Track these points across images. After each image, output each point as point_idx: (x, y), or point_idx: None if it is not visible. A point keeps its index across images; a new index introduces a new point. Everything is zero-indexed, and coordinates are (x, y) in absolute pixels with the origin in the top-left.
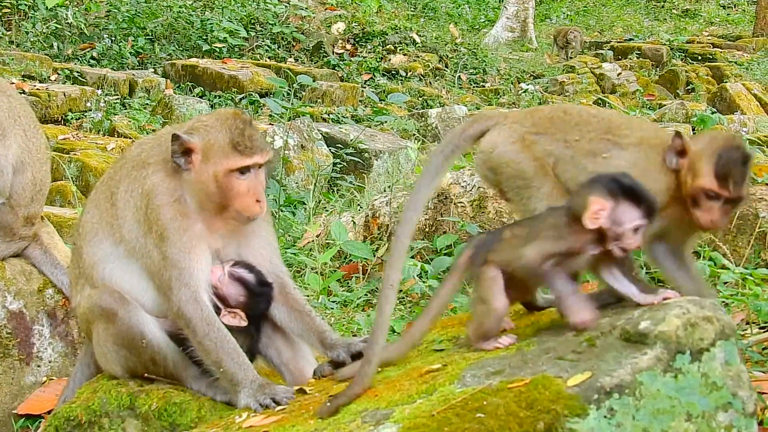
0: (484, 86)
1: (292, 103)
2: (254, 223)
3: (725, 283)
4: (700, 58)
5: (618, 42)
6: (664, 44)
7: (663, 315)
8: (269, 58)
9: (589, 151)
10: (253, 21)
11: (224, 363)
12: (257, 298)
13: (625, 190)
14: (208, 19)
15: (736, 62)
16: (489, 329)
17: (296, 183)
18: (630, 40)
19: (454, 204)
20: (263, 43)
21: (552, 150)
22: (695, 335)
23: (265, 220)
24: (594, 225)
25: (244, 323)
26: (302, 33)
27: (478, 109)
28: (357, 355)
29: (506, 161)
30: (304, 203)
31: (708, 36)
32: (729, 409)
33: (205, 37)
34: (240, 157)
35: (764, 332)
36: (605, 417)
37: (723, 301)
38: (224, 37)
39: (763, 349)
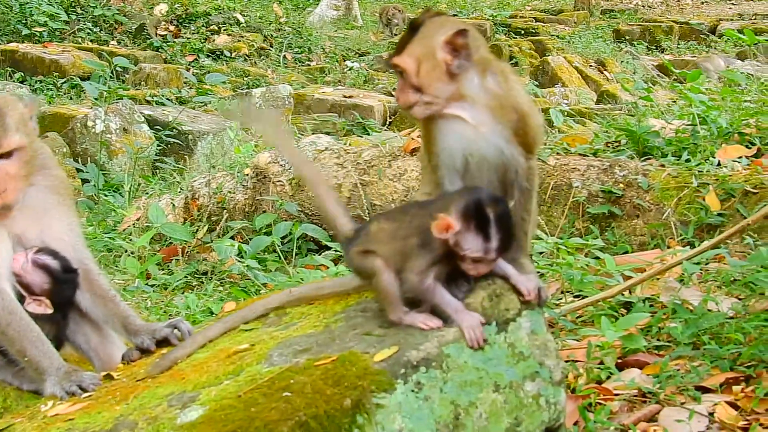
0: (309, 65)
1: (108, 87)
2: (57, 208)
3: (540, 253)
4: (523, 32)
5: None
6: (488, 19)
7: (468, 287)
8: (91, 41)
9: None
10: (73, 4)
11: (29, 352)
12: (62, 285)
13: (479, 219)
14: (27, 3)
15: (558, 36)
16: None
17: (120, 167)
18: (454, 15)
19: (273, 183)
20: (85, 27)
21: None
22: (501, 306)
23: (66, 205)
24: (440, 237)
25: (50, 310)
26: (124, 15)
27: (304, 87)
28: (162, 341)
29: None
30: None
31: (531, 10)
32: (536, 378)
33: (24, 21)
34: None
35: (578, 300)
36: (413, 391)
37: (538, 271)
38: (44, 21)
39: (577, 317)
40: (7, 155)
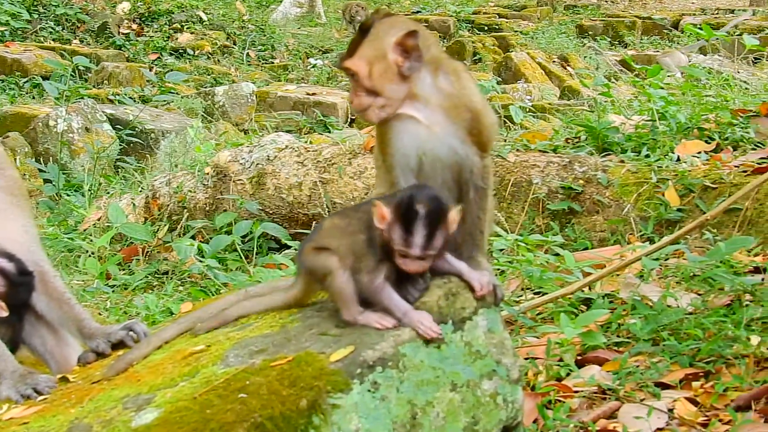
0: (272, 63)
1: (70, 86)
2: (10, 209)
3: (500, 250)
4: (486, 28)
5: (405, 15)
6: (451, 16)
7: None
8: (53, 40)
9: None
10: (35, 3)
11: None
12: (18, 288)
13: (406, 214)
14: None
15: (521, 32)
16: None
17: (81, 166)
18: (418, 12)
19: (234, 182)
20: (47, 26)
21: None
22: (456, 304)
23: (21, 206)
24: (378, 226)
25: (5, 313)
26: (87, 14)
27: (267, 85)
28: (118, 344)
29: None
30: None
31: (494, 6)
32: (494, 377)
33: None
34: None
35: (537, 297)
36: (369, 391)
37: (498, 269)
38: (6, 20)
39: (537, 314)
40: None
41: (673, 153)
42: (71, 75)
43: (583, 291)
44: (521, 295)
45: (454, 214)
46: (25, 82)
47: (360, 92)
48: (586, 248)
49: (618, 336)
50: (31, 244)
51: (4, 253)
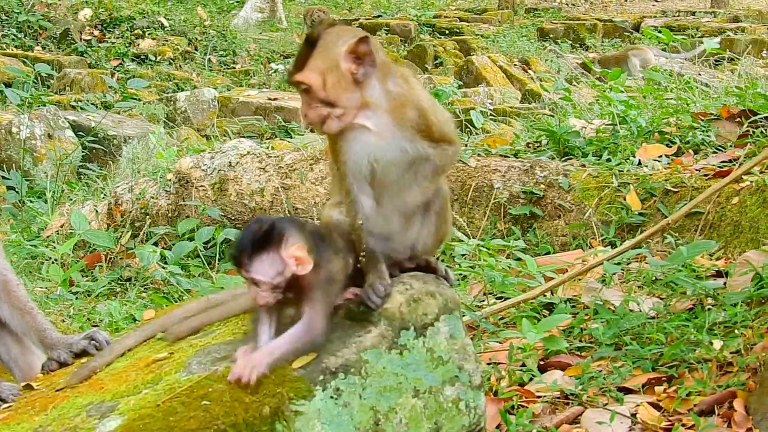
0: (234, 68)
1: (30, 93)
2: None
3: (462, 255)
4: (447, 32)
5: (366, 19)
6: (412, 20)
7: None
8: (16, 47)
9: None
10: None
11: None
12: None
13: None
14: None
15: (482, 35)
16: None
17: (44, 173)
18: (379, 16)
19: (195, 188)
20: (9, 33)
21: None
22: (419, 311)
23: None
24: None
25: None
26: (49, 20)
27: (229, 90)
28: (80, 354)
29: None
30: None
31: (455, 10)
32: (456, 383)
33: None
34: None
35: (499, 302)
36: (332, 397)
37: (460, 274)
38: None
39: (499, 319)
40: None
41: (634, 157)
42: (33, 82)
43: (545, 296)
44: (483, 300)
45: (295, 250)
46: None
47: (314, 104)
48: (548, 253)
49: (580, 341)
50: None
51: None
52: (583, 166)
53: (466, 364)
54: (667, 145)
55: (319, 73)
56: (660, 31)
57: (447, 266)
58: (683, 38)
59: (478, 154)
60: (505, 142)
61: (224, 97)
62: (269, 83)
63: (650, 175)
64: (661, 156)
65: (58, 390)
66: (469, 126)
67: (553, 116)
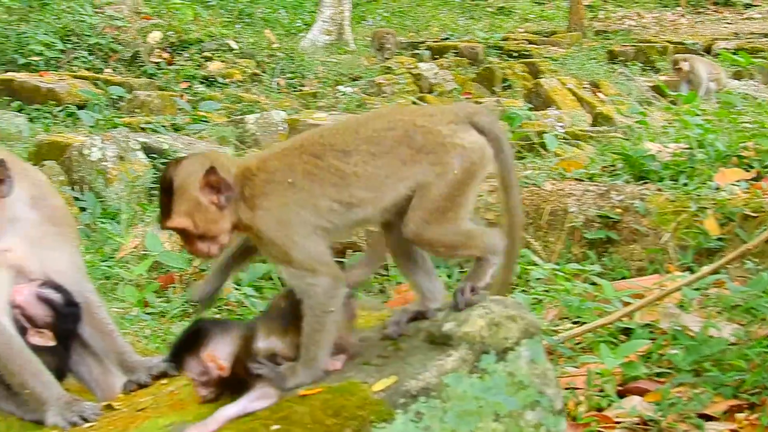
0: (302, 90)
1: (104, 115)
2: (54, 238)
3: (537, 279)
4: (515, 54)
5: (434, 42)
6: (480, 42)
7: (466, 316)
8: (86, 69)
9: None
10: (69, 33)
11: (29, 383)
12: (64, 318)
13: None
14: (24, 33)
15: (551, 58)
16: None
17: (116, 194)
18: (446, 39)
19: None
20: (80, 55)
21: None
22: (499, 335)
23: (65, 235)
24: None
25: (52, 343)
26: (119, 43)
27: (297, 113)
28: (160, 376)
29: None
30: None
31: (523, 33)
32: (537, 408)
33: (21, 51)
34: None
35: (576, 327)
36: (412, 420)
37: (536, 298)
38: (40, 50)
39: (576, 344)
40: None
41: (711, 181)
42: (105, 104)
43: (622, 320)
44: (559, 324)
45: (209, 354)
46: (59, 111)
47: (196, 242)
48: (624, 277)
49: (659, 367)
50: (77, 274)
51: (52, 284)
52: (660, 190)
53: (547, 389)
54: (745, 170)
55: (186, 215)
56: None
57: (522, 290)
58: (761, 61)
59: (553, 178)
60: (579, 165)
61: (293, 119)
62: (337, 106)
63: (729, 199)
64: (739, 180)
65: (139, 410)
66: (540, 149)
67: (627, 140)
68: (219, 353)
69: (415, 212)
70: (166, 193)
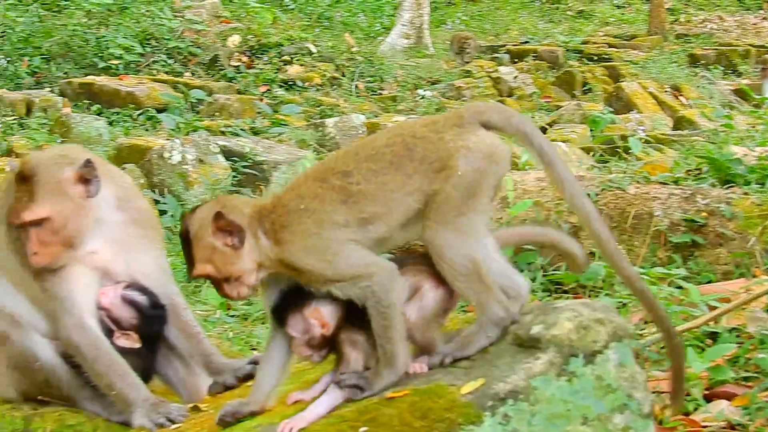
0: (381, 94)
1: (186, 118)
2: (140, 241)
3: (622, 283)
4: (596, 58)
5: (514, 45)
6: (560, 46)
7: (555, 319)
8: (166, 73)
9: None
10: (148, 37)
11: (116, 385)
12: (150, 320)
13: None
14: (104, 37)
15: (631, 61)
16: None
17: (196, 197)
18: (526, 42)
19: None
20: (159, 59)
21: None
22: (588, 338)
23: (150, 237)
24: None
25: (138, 345)
26: (198, 47)
27: (376, 117)
28: (245, 378)
29: None
30: None
31: (603, 36)
32: (625, 411)
33: (100, 55)
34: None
35: None
36: (500, 423)
37: (620, 302)
38: (120, 54)
39: (662, 348)
40: (36, 222)
41: None
42: (184, 107)
43: (708, 325)
44: (644, 329)
45: (313, 314)
46: (139, 114)
47: (222, 285)
48: (710, 281)
49: (746, 371)
50: (162, 276)
51: (138, 286)
52: (746, 194)
53: (635, 392)
54: None
55: (207, 262)
56: None
57: (606, 293)
58: None
59: (637, 181)
60: (664, 169)
61: (372, 123)
62: (416, 109)
63: None
64: None
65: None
66: (621, 152)
67: (712, 143)
68: (324, 311)
69: (428, 217)
70: (185, 243)
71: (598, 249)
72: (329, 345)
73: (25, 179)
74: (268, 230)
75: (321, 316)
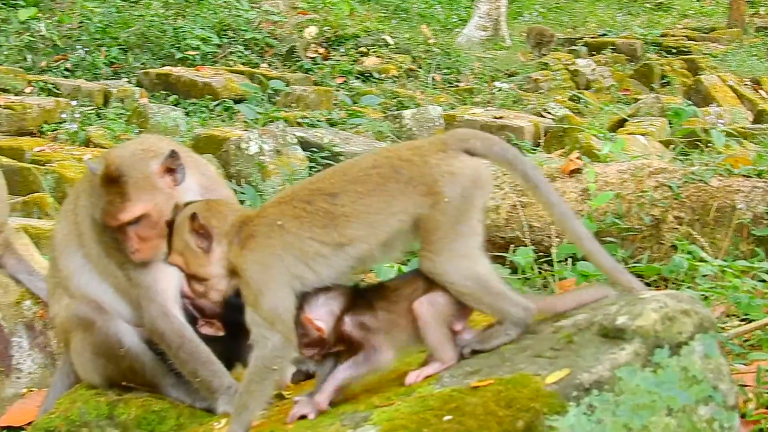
0: (458, 86)
1: (265, 109)
2: None
3: (704, 275)
4: (674, 51)
5: (591, 38)
6: (638, 38)
7: (640, 309)
8: (242, 64)
9: None
10: (225, 28)
11: (200, 372)
12: (233, 308)
13: None
14: (181, 27)
15: (710, 54)
16: None
17: (273, 188)
18: (604, 35)
19: None
20: (236, 50)
21: None
22: (673, 329)
23: None
24: None
25: (221, 332)
26: (275, 38)
27: (453, 108)
28: None
29: None
30: None
31: (682, 29)
32: (710, 403)
33: (177, 45)
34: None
35: (745, 324)
36: (585, 414)
37: (702, 294)
38: (197, 45)
39: (744, 341)
40: (134, 221)
41: None
42: (261, 98)
43: None
44: (726, 322)
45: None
46: (215, 105)
47: (191, 281)
48: None
49: None
50: None
51: None
52: None
53: (720, 384)
54: None
55: (179, 255)
56: None
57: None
58: None
59: (720, 174)
60: (747, 162)
61: (449, 115)
62: (493, 102)
63: None
64: None
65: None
66: (701, 145)
67: None
68: (315, 315)
69: (423, 248)
70: (169, 231)
71: (597, 267)
72: (338, 339)
73: (113, 180)
74: (242, 239)
75: (311, 322)
